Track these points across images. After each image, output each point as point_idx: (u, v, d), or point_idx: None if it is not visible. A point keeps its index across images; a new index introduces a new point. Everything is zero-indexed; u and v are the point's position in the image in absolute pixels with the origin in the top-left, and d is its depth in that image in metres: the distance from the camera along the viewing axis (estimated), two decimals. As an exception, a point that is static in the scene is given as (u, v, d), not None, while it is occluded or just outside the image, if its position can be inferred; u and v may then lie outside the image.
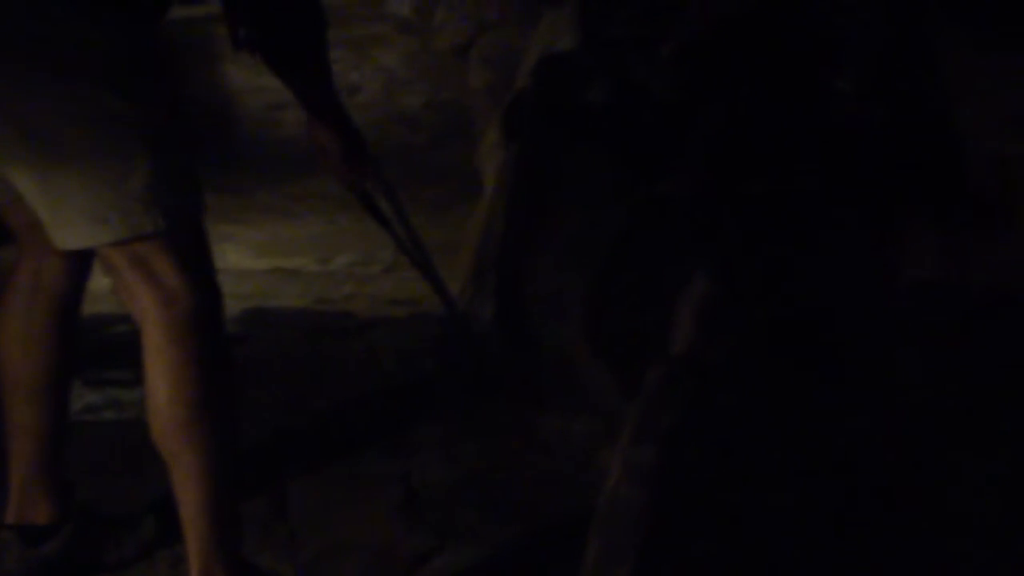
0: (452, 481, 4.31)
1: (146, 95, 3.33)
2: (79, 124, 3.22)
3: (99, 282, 3.96)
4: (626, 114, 4.85)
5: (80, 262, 3.65)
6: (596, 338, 4.40)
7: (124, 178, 3.25)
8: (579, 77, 5.18)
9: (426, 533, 4.04)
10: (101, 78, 3.24)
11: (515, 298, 4.84)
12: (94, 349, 4.64)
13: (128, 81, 3.29)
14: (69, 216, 3.28)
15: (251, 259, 4.83)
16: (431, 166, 6.15)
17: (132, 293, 3.38)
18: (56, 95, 3.21)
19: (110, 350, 4.34)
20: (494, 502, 4.19)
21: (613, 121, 4.89)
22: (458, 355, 4.89)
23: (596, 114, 4.94)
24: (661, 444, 3.30)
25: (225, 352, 3.52)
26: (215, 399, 3.41)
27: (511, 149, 5.29)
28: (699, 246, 4.13)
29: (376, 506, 4.14)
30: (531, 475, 4.33)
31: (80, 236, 3.31)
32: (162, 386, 3.37)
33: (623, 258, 4.40)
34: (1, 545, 3.77)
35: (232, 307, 4.01)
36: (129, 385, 4.60)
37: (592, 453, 4.12)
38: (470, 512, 4.14)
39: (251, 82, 5.15)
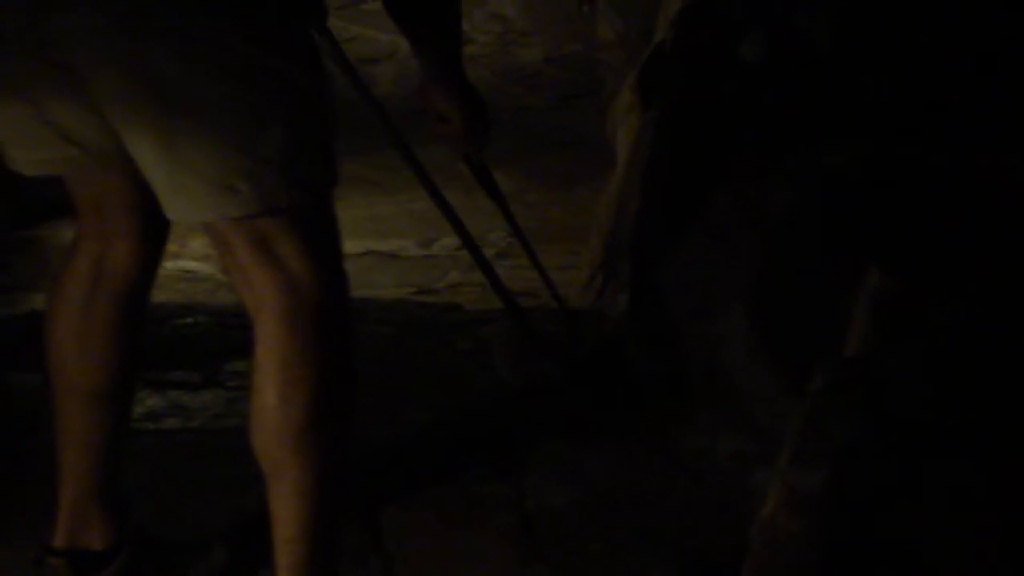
0: (574, 507, 4.31)
1: (291, 46, 3.36)
2: (214, 76, 3.23)
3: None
4: (787, 72, 4.82)
5: (154, 247, 3.67)
6: (755, 338, 4.37)
7: (260, 142, 3.27)
8: (731, 28, 5.16)
9: (543, 569, 4.06)
10: (242, 24, 3.25)
11: (654, 290, 4.80)
12: (156, 346, 4.68)
13: (271, 30, 3.31)
14: (192, 184, 3.28)
15: (340, 240, 4.82)
16: (552, 133, 6.16)
17: (247, 277, 3.40)
18: (190, 42, 3.21)
19: (175, 347, 4.37)
20: (624, 533, 4.18)
21: (771, 80, 4.85)
22: (586, 359, 4.84)
23: (751, 72, 4.91)
24: (828, 465, 3.25)
25: (351, 351, 3.52)
26: (335, 405, 3.45)
27: (649, 114, 5.26)
28: (875, 230, 4.13)
29: (484, 535, 4.16)
30: (671, 500, 4.33)
31: (202, 208, 3.33)
32: (275, 385, 3.40)
33: (786, 244, 4.37)
34: (50, 573, 3.79)
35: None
36: (196, 388, 4.70)
37: (746, 475, 4.09)
38: (595, 545, 4.14)
39: (340, 31, 5.15)
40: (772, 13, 5.20)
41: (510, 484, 4.37)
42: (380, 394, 4.62)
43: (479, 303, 5.26)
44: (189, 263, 5.35)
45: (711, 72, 5.03)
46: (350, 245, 3.90)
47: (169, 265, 4.31)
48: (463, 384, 4.83)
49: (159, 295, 4.51)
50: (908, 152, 4.39)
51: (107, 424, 3.78)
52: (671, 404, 4.62)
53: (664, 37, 5.68)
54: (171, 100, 3.21)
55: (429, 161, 4.30)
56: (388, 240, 6.15)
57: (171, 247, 4.08)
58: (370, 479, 4.22)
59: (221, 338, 4.89)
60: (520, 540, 4.15)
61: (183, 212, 3.35)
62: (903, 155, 4.40)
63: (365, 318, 5.37)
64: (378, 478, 4.25)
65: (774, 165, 4.54)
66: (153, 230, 3.60)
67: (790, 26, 5.13)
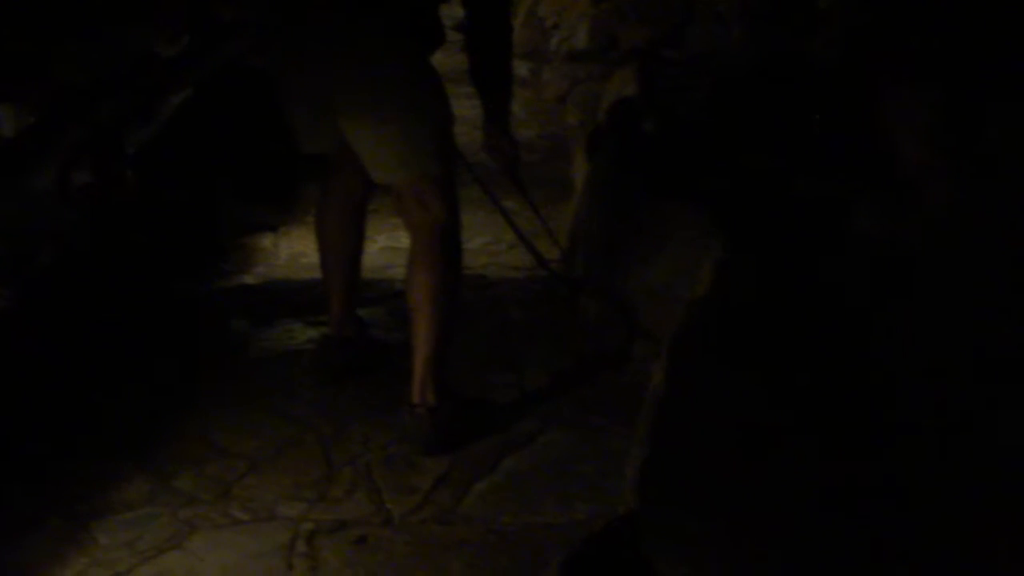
0: (550, 384, 4.34)
1: (434, 87, 3.84)
2: (403, 103, 3.75)
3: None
4: (667, 138, 4.93)
5: (369, 182, 4.03)
6: (648, 284, 4.45)
7: (424, 140, 3.77)
8: (637, 114, 5.28)
9: (532, 419, 4.10)
10: (417, 76, 3.80)
11: (595, 262, 4.87)
12: (313, 300, 4.70)
13: (426, 77, 3.83)
14: (390, 161, 3.80)
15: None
16: (542, 176, 6.23)
17: (409, 212, 3.86)
18: (394, 84, 3.74)
19: (321, 304, 4.45)
20: (583, 399, 4.21)
21: (661, 143, 4.96)
22: (559, 302, 4.95)
23: (648, 139, 5.02)
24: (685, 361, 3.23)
25: (460, 254, 3.97)
26: (451, 279, 3.88)
27: (592, 163, 5.36)
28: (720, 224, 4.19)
29: (495, 400, 4.21)
30: (604, 377, 4.35)
31: (389, 174, 3.84)
32: (422, 270, 3.84)
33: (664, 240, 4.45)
34: (326, 344, 4.36)
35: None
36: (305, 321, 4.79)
37: (648, 367, 3.88)
38: (565, 406, 4.17)
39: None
40: (663, 105, 5.32)
41: (513, 375, 4.39)
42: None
43: (498, 275, 5.31)
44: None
45: (625, 138, 5.14)
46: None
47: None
48: (488, 319, 4.89)
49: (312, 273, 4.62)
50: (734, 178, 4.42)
51: (355, 271, 4.35)
52: (602, 325, 4.65)
53: (601, 121, 5.79)
54: (381, 111, 3.74)
55: (471, 196, 4.50)
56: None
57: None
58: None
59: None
60: (518, 402, 4.21)
61: (379, 175, 3.86)
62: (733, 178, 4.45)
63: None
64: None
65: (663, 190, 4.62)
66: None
67: (673, 112, 5.24)
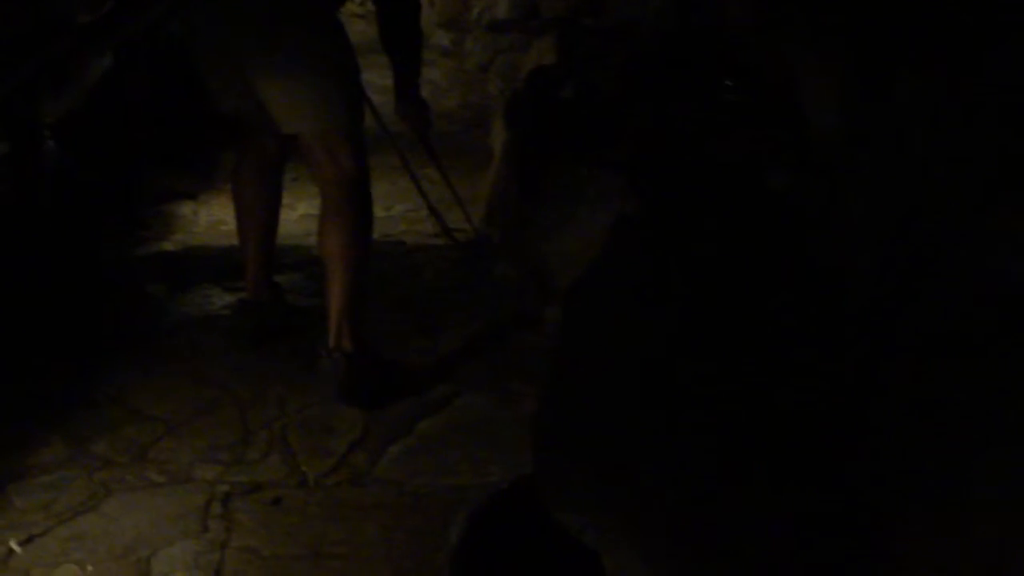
0: (466, 348, 4.39)
1: (342, 43, 3.92)
2: (311, 59, 3.83)
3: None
4: (584, 106, 4.96)
5: (284, 145, 4.17)
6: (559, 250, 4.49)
7: (332, 92, 3.86)
8: (555, 82, 5.30)
9: (448, 382, 4.15)
10: (325, 34, 3.88)
11: (513, 227, 4.92)
12: (232, 267, 4.70)
13: (334, 34, 3.91)
14: (298, 114, 3.87)
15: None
16: (463, 145, 6.26)
17: (320, 166, 3.93)
18: (302, 40, 3.82)
19: (239, 270, 4.46)
20: (498, 363, 4.27)
21: (577, 110, 4.99)
22: (475, 267, 5.00)
23: (565, 106, 5.05)
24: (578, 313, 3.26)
25: (370, 205, 4.01)
26: (362, 231, 3.96)
27: (510, 131, 5.39)
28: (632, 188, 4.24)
29: (411, 364, 4.24)
30: (519, 341, 4.41)
31: (298, 124, 3.89)
32: (333, 222, 3.93)
33: (577, 205, 4.49)
34: (243, 309, 4.40)
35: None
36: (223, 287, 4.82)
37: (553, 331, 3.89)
38: (480, 370, 4.23)
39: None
40: (579, 73, 5.34)
41: (431, 341, 4.45)
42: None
43: (415, 242, 5.33)
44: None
45: (542, 106, 5.16)
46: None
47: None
48: (406, 285, 4.91)
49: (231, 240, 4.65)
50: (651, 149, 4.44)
51: (271, 235, 4.38)
52: (518, 289, 4.72)
53: (519, 89, 5.82)
54: (293, 69, 3.82)
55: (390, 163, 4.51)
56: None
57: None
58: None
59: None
60: (436, 364, 4.25)
61: (291, 127, 3.91)
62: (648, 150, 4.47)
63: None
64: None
65: (577, 156, 4.65)
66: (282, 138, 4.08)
67: (588, 81, 5.26)
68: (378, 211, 4.24)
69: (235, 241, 4.50)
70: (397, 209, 5.53)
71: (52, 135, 5.12)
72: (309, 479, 3.59)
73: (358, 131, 3.97)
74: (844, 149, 3.82)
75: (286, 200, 4.50)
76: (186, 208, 5.75)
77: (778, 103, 4.27)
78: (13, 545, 3.25)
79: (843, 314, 2.88)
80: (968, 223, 2.80)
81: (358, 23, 4.07)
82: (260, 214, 4.32)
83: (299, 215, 5.49)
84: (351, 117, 3.94)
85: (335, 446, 3.76)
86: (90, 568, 3.18)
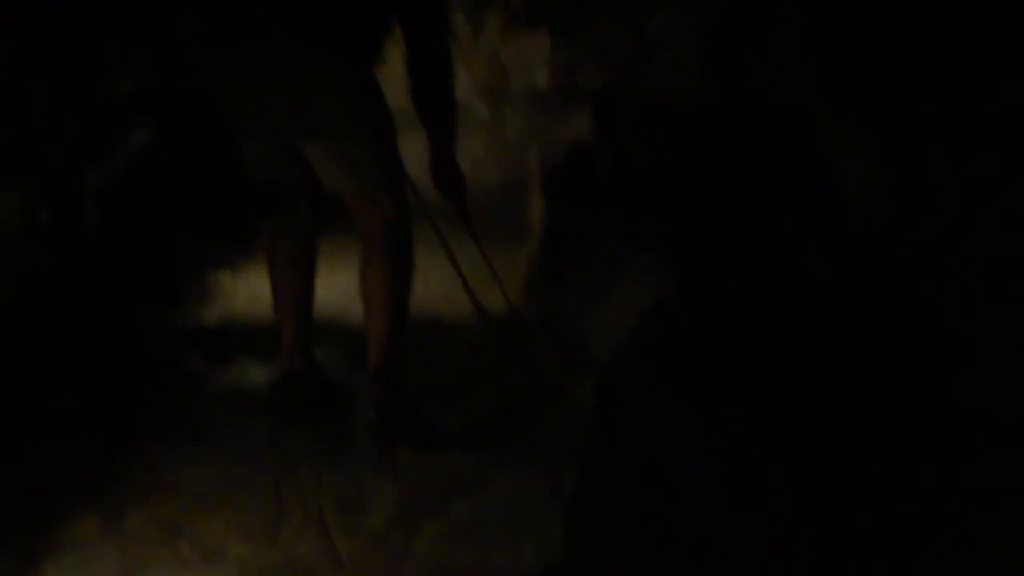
0: (502, 425, 4.34)
1: (379, 101, 4.03)
2: (351, 116, 3.96)
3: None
4: (622, 180, 4.94)
5: (320, 215, 4.30)
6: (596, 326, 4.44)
7: (372, 147, 4.03)
8: (594, 155, 5.28)
9: (484, 459, 4.10)
10: (363, 92, 3.98)
11: (550, 302, 4.89)
12: (270, 340, 4.61)
13: (371, 92, 4.00)
14: (341, 169, 4.00)
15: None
16: (500, 219, 6.23)
17: (362, 214, 4.08)
18: (342, 99, 3.94)
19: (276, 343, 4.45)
20: (535, 440, 4.22)
21: (614, 184, 4.97)
22: (511, 344, 4.95)
23: (603, 180, 5.03)
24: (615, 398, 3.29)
25: (411, 250, 4.16)
26: (402, 274, 4.11)
27: (548, 206, 5.37)
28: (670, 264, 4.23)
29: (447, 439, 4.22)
30: (556, 418, 4.35)
31: (343, 180, 4.04)
32: (375, 263, 4.09)
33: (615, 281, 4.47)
34: (280, 383, 4.35)
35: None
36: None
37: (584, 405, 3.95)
38: (516, 447, 4.18)
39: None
40: (617, 145, 5.31)
41: (467, 414, 4.41)
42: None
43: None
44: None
45: (580, 180, 5.14)
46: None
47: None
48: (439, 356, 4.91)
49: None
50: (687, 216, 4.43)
51: (306, 306, 4.40)
52: (552, 361, 4.69)
53: (557, 162, 5.79)
54: (325, 126, 3.94)
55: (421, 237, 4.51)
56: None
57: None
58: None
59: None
60: (468, 435, 4.24)
61: (333, 183, 4.04)
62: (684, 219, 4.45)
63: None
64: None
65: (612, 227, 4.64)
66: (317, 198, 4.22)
67: (629, 153, 5.24)
68: (416, 287, 4.23)
69: (272, 313, 4.48)
70: (435, 285, 5.50)
71: (93, 203, 5.14)
72: (344, 559, 3.56)
73: (399, 183, 4.12)
74: (883, 231, 3.81)
75: (322, 273, 4.48)
76: (225, 279, 5.74)
77: (818, 182, 4.26)
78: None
79: (885, 404, 2.85)
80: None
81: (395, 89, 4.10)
82: (296, 286, 4.32)
83: (339, 290, 5.47)
84: (391, 170, 4.09)
85: (371, 524, 3.73)
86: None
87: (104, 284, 5.01)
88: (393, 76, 4.15)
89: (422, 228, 4.42)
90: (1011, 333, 2.98)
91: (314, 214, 4.28)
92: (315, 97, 3.92)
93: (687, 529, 2.61)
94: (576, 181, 5.20)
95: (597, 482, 2.89)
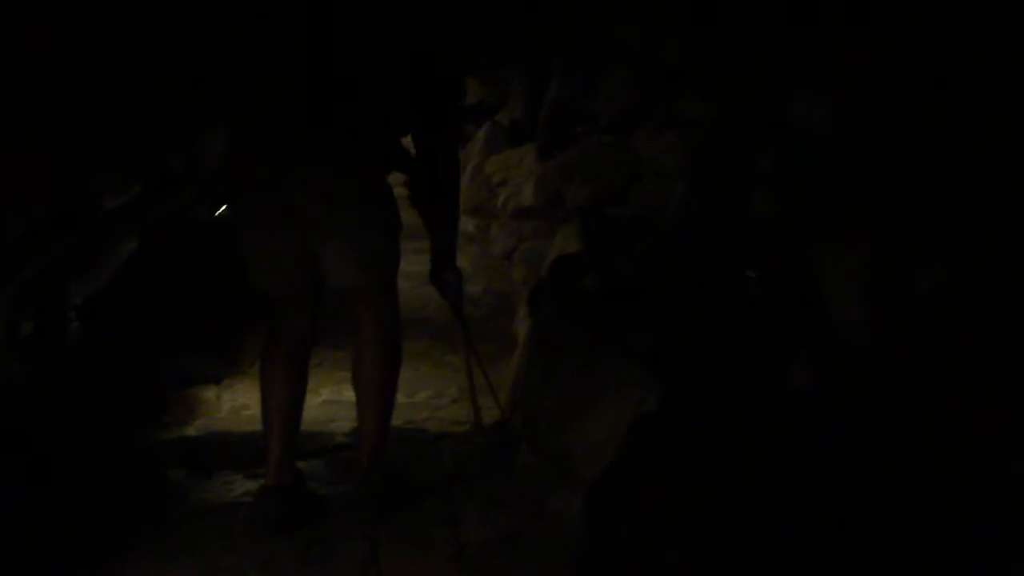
0: (488, 538, 4.26)
1: (391, 204, 4.16)
2: (366, 219, 4.10)
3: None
4: (606, 294, 4.96)
5: (316, 327, 4.37)
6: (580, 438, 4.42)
7: (382, 248, 4.18)
8: (578, 270, 5.31)
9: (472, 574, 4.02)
10: (379, 196, 4.12)
11: (534, 413, 4.87)
12: (253, 453, 4.67)
13: (385, 196, 4.14)
14: (350, 268, 4.11)
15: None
16: (487, 332, 6.26)
17: (359, 310, 4.23)
18: (361, 203, 4.08)
19: (260, 456, 4.44)
20: (522, 554, 4.14)
21: (598, 299, 4.99)
22: (497, 455, 4.92)
23: (587, 294, 5.05)
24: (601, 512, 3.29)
25: (400, 343, 4.34)
26: (393, 364, 4.29)
27: (534, 320, 5.39)
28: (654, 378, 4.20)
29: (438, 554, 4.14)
30: (542, 531, 4.26)
31: (351, 279, 4.14)
32: (369, 354, 4.24)
33: (599, 393, 4.43)
34: (264, 496, 4.31)
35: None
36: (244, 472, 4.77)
37: (575, 521, 3.91)
38: (504, 561, 4.10)
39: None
40: (602, 262, 5.34)
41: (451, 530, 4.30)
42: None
43: (439, 428, 5.31)
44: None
45: (565, 294, 5.15)
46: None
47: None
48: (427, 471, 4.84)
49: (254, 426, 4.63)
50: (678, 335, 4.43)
51: (297, 421, 4.37)
52: (537, 472, 4.64)
53: (543, 276, 5.83)
54: (342, 228, 4.05)
55: (413, 350, 4.50)
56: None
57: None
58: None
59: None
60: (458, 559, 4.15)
61: (340, 281, 4.12)
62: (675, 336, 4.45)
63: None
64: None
65: (601, 344, 4.63)
66: (315, 310, 4.33)
67: (613, 268, 5.26)
68: (401, 398, 4.25)
69: (257, 426, 4.47)
70: (420, 396, 5.51)
71: (77, 316, 5.14)
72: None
73: (393, 279, 4.31)
74: (867, 343, 3.82)
75: (310, 385, 4.48)
76: (209, 392, 5.74)
77: (801, 295, 4.28)
78: None
79: (870, 519, 2.85)
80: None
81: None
82: (286, 397, 4.31)
83: (322, 400, 5.48)
84: (392, 268, 4.28)
85: (354, 641, 3.67)
86: None
87: (87, 396, 4.97)
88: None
89: (410, 341, 4.45)
90: (996, 448, 2.97)
91: (312, 325, 4.34)
92: (346, 197, 4.05)
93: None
94: (560, 295, 5.21)
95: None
